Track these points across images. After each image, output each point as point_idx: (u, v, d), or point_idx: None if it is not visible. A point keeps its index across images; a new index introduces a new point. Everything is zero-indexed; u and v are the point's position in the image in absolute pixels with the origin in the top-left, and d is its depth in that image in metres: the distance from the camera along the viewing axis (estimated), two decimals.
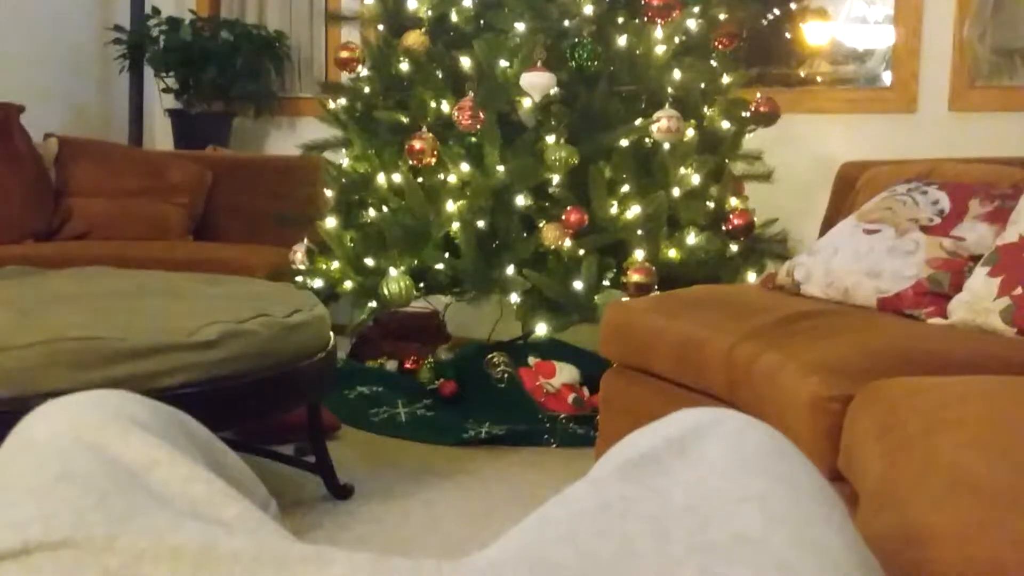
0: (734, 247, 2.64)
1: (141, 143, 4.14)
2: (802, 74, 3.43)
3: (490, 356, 2.69)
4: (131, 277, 2.13)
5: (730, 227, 2.62)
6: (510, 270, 2.49)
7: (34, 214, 3.22)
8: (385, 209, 2.67)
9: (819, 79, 3.42)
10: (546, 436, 2.45)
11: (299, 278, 2.74)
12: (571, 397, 2.55)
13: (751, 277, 2.62)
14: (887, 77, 3.31)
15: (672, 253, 2.52)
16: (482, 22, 2.63)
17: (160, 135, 4.36)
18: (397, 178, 2.63)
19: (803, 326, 1.68)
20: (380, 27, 2.83)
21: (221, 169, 3.50)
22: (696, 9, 2.67)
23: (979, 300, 1.67)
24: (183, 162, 3.49)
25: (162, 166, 3.44)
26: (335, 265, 2.72)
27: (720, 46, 2.71)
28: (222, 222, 3.44)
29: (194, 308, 1.77)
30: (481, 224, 2.52)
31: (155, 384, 1.56)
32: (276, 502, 0.78)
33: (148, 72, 4.08)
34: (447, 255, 2.55)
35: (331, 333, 2.00)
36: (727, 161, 2.74)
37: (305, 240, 2.80)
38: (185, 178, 3.39)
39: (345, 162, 2.83)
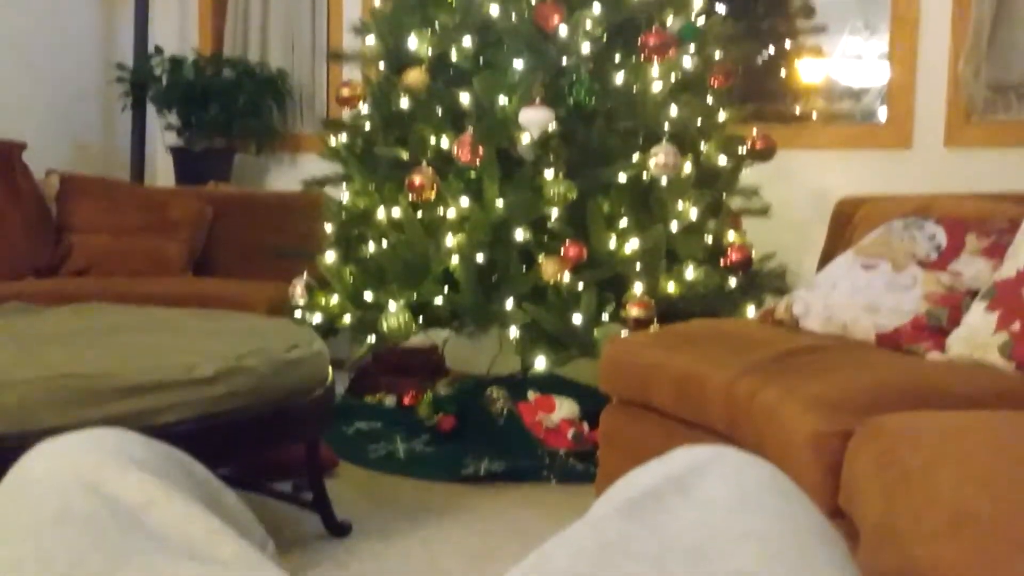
0: (733, 281, 2.65)
1: (143, 180, 4.16)
2: (798, 111, 3.47)
3: (489, 391, 2.69)
4: (130, 313, 2.14)
5: (728, 262, 2.63)
6: (509, 304, 2.50)
7: (35, 250, 3.23)
8: (385, 243, 2.68)
9: (815, 115, 3.45)
10: (546, 472, 2.43)
11: (298, 313, 2.74)
12: (571, 432, 2.54)
13: (750, 311, 2.63)
14: (883, 113, 3.34)
15: (671, 287, 2.53)
16: (481, 60, 2.66)
17: (162, 172, 4.39)
18: (397, 213, 2.65)
19: (802, 361, 1.68)
20: (381, 65, 2.86)
21: (222, 205, 3.52)
22: (692, 47, 2.70)
23: (977, 335, 1.67)
24: (183, 198, 3.51)
25: (163, 202, 3.45)
26: (334, 300, 2.73)
27: (716, 83, 2.74)
28: (222, 257, 3.45)
29: (192, 344, 1.77)
30: (480, 258, 2.53)
31: (153, 420, 1.56)
32: (273, 540, 0.77)
33: (150, 109, 4.11)
34: (446, 289, 2.55)
35: (330, 369, 2.00)
36: (724, 196, 2.75)
37: (304, 275, 2.81)
38: (185, 214, 3.40)
39: (345, 197, 2.85)
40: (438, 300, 2.56)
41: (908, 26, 3.18)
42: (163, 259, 3.29)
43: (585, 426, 2.59)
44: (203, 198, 3.53)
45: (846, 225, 2.45)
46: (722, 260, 2.63)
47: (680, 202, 2.56)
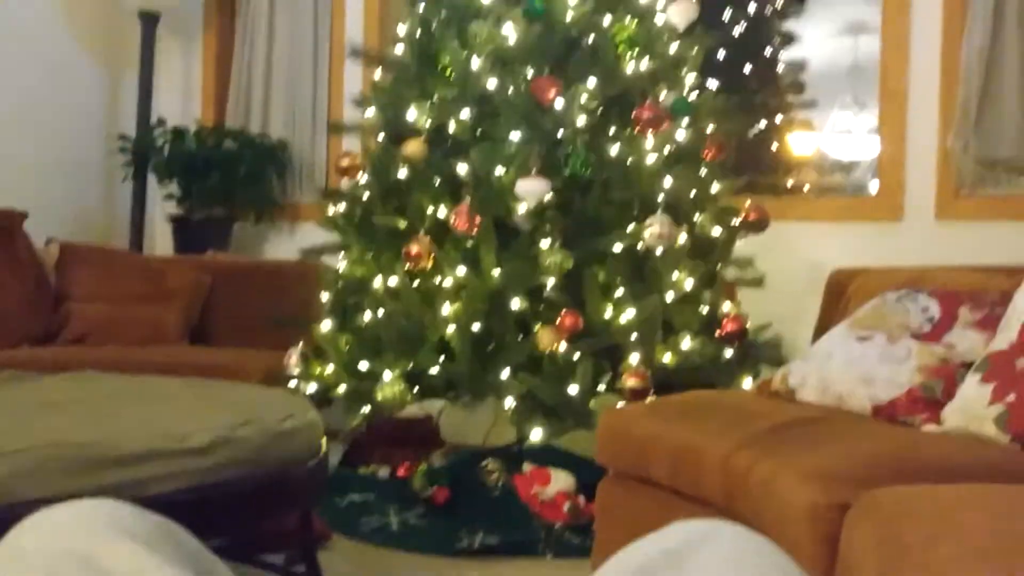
0: (728, 352, 2.65)
1: (141, 248, 4.19)
2: (790, 183, 3.52)
3: (484, 463, 2.66)
4: (124, 382, 2.13)
5: (724, 332, 2.63)
6: (505, 374, 2.49)
7: (32, 319, 3.23)
8: (381, 312, 2.69)
9: (807, 188, 3.51)
10: (541, 546, 2.40)
11: (293, 382, 2.74)
12: (567, 506, 2.51)
13: (747, 382, 2.63)
14: (874, 186, 3.38)
15: (667, 358, 2.53)
16: (479, 131, 2.70)
17: (161, 240, 4.42)
18: (393, 282, 2.66)
19: (798, 433, 1.68)
20: (380, 136, 2.90)
21: (219, 274, 3.53)
22: (685, 121, 2.75)
23: (972, 407, 1.67)
24: (181, 267, 3.53)
25: (160, 271, 3.47)
26: (329, 369, 2.72)
27: (709, 156, 2.79)
28: (219, 326, 3.45)
29: (186, 414, 1.76)
30: (476, 327, 2.53)
31: (145, 491, 1.54)
32: None
33: (151, 179, 4.15)
34: (442, 359, 2.55)
35: (324, 439, 1.99)
36: (719, 267, 2.77)
37: (300, 344, 2.81)
38: (183, 283, 3.41)
39: (343, 266, 2.87)
40: (433, 370, 2.56)
41: (897, 101, 3.24)
42: (160, 327, 3.29)
43: (581, 499, 2.56)
44: (201, 267, 3.54)
45: (840, 296, 2.46)
46: (717, 331, 2.64)
47: (675, 272, 2.58)
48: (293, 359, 2.76)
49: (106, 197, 4.35)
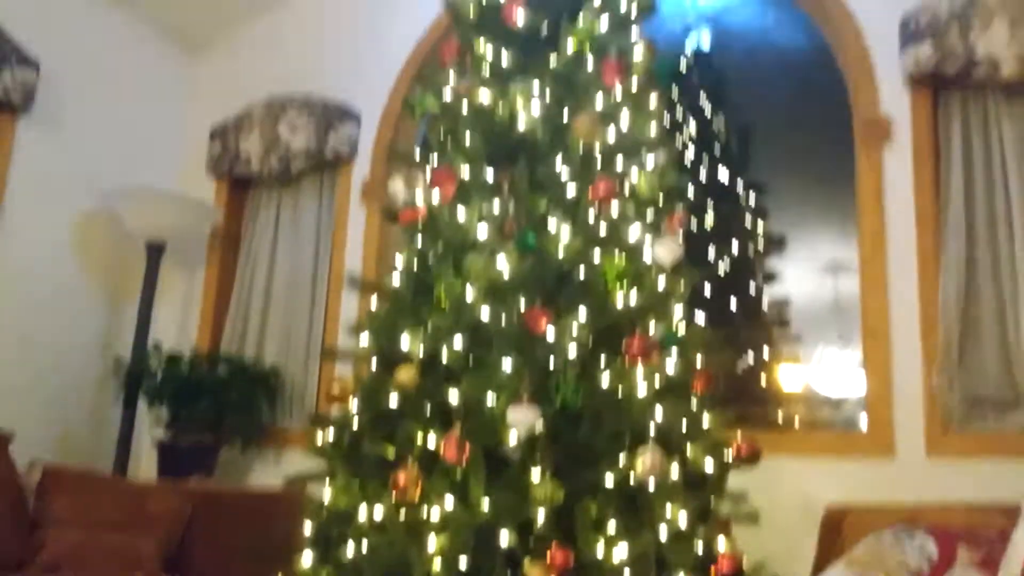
0: None
1: (125, 472, 4.11)
2: (780, 417, 3.54)
3: None
4: None
5: (719, 571, 2.54)
6: None
7: (5, 545, 3.11)
8: (365, 545, 2.60)
9: (797, 422, 3.52)
10: None
11: None
12: None
13: None
14: (864, 421, 3.39)
15: None
16: (471, 359, 2.74)
17: (146, 464, 4.35)
18: (379, 512, 2.59)
19: None
20: (373, 363, 2.93)
21: (201, 501, 3.45)
22: (674, 352, 2.80)
23: None
24: (164, 493, 3.45)
25: (142, 497, 3.39)
26: None
27: (699, 388, 2.81)
28: (198, 555, 3.33)
29: None
30: (464, 562, 2.44)
31: None
32: None
33: (142, 403, 4.15)
34: None
35: None
36: (713, 501, 2.72)
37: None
38: (163, 510, 3.33)
39: (327, 495, 2.80)
40: None
41: (880, 339, 3.32)
42: (135, 556, 3.16)
43: None
44: (183, 493, 3.47)
45: (836, 534, 2.41)
46: (712, 568, 2.55)
47: (668, 507, 2.53)
48: None
49: (95, 419, 4.33)
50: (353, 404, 2.88)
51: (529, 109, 2.77)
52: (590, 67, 2.83)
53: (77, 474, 3.54)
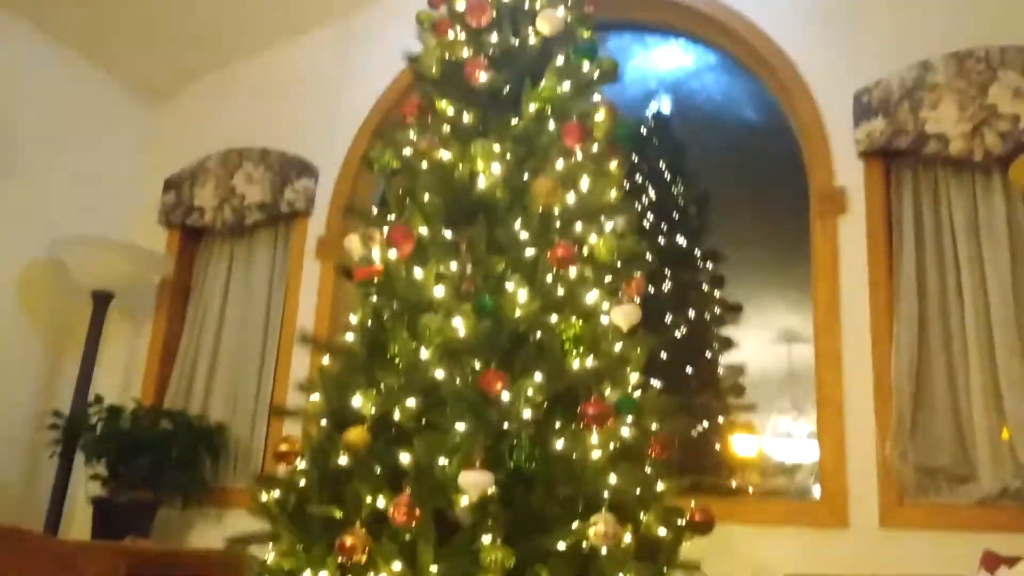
0: None
1: (57, 530, 3.94)
2: (734, 484, 3.52)
3: None
4: None
5: None
6: None
7: None
8: None
9: (751, 490, 3.50)
10: None
11: None
12: None
13: None
14: (817, 489, 3.37)
15: None
16: (424, 420, 2.68)
17: (79, 522, 4.18)
18: None
19: None
20: (323, 422, 2.86)
21: (137, 561, 3.31)
22: (629, 418, 2.77)
23: None
24: (96, 553, 3.30)
25: (74, 556, 3.24)
26: None
27: (653, 454, 2.78)
28: None
29: None
30: None
31: None
32: None
33: (79, 458, 4.00)
34: None
35: None
36: (666, 569, 2.67)
37: None
38: (96, 571, 3.18)
39: (270, 558, 2.70)
40: None
41: (833, 408, 3.32)
42: None
43: None
44: (117, 553, 3.32)
45: None
46: None
47: (621, 575, 2.47)
48: None
49: (28, 474, 4.16)
50: (301, 464, 2.80)
51: (489, 169, 2.76)
52: (551, 129, 2.84)
53: (6, 532, 3.38)
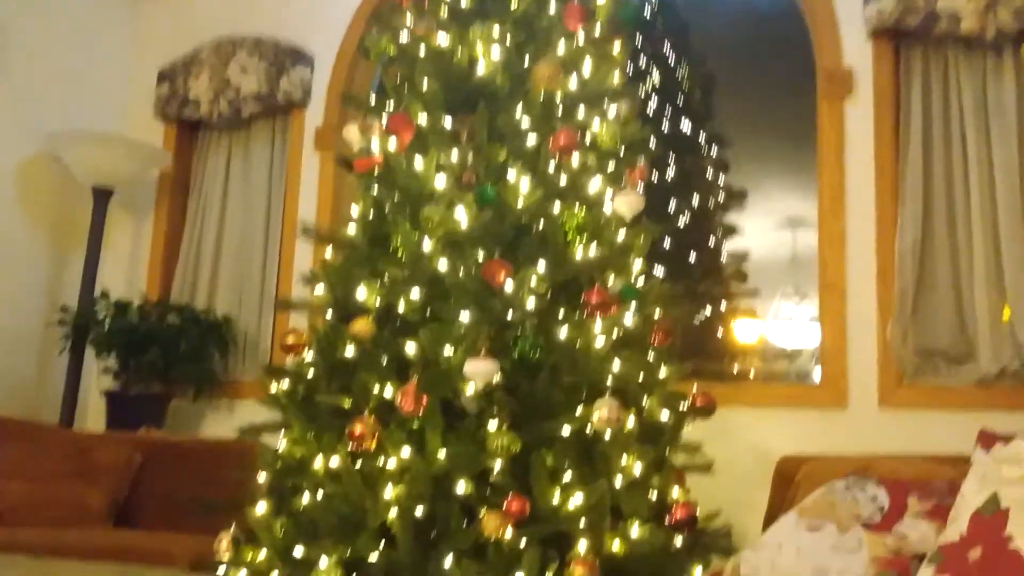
0: (678, 540, 2.57)
1: (72, 423, 4.03)
2: (736, 369, 3.57)
3: None
4: (39, 570, 1.99)
5: (673, 520, 2.57)
6: (448, 562, 2.38)
7: None
8: (320, 495, 2.58)
9: (752, 375, 3.55)
10: None
11: (221, 569, 2.58)
12: None
13: (697, 572, 2.54)
14: (817, 373, 3.43)
15: (616, 546, 2.45)
16: (428, 311, 2.70)
17: (93, 415, 4.27)
18: (335, 463, 2.57)
19: None
20: (328, 314, 2.88)
21: (151, 452, 3.40)
22: (632, 306, 2.79)
23: None
24: (111, 444, 3.39)
25: (88, 448, 3.33)
26: (262, 555, 2.58)
27: (656, 341, 2.81)
28: (148, 507, 3.28)
29: None
30: (420, 511, 2.43)
31: None
32: None
33: (89, 352, 4.06)
34: (382, 545, 2.43)
35: None
36: (668, 451, 2.74)
37: (232, 528, 2.66)
38: (111, 461, 3.27)
39: (282, 446, 2.77)
40: (373, 556, 2.43)
41: (836, 292, 3.34)
42: (83, 508, 3.11)
43: None
44: (132, 444, 3.41)
45: (788, 484, 2.44)
46: (667, 518, 2.57)
47: (624, 457, 2.54)
48: (223, 544, 2.61)
49: (40, 369, 4.23)
50: (308, 355, 2.84)
51: (489, 54, 2.70)
52: (552, 11, 2.76)
53: (21, 424, 3.46)
